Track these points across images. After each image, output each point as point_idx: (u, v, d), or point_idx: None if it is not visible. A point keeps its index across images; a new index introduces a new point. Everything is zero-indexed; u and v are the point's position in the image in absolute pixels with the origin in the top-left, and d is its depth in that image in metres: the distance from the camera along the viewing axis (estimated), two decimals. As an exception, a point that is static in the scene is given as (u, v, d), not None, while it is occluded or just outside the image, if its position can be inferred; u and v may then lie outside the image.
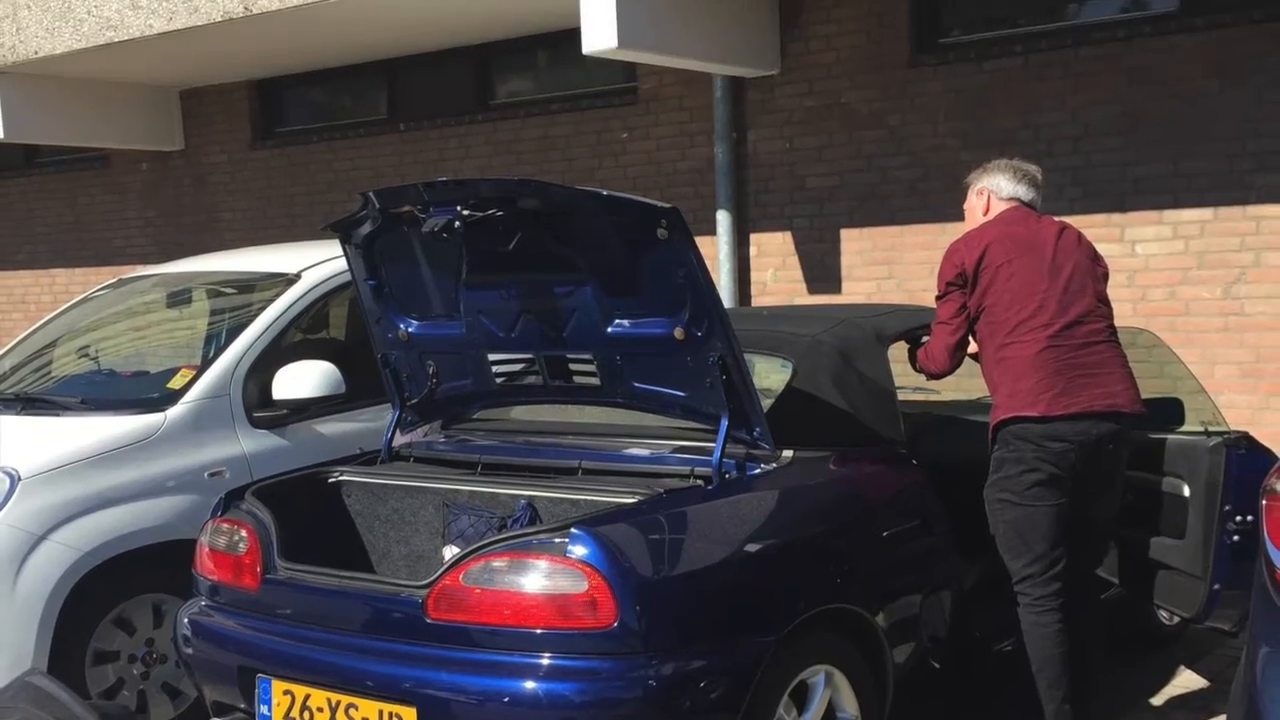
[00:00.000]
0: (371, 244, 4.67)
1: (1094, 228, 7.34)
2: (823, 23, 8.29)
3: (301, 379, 5.63)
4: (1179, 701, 5.36)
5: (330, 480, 4.84)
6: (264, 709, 4.17)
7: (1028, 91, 7.61)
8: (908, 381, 5.26)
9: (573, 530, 3.70)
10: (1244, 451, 4.66)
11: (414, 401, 4.97)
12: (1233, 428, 4.92)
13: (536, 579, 3.71)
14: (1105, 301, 4.69)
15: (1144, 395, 4.67)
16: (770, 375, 4.89)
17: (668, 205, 4.01)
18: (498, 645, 3.74)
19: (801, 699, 4.08)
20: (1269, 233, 6.95)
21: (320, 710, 4.02)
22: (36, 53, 9.57)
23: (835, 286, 8.39)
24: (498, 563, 3.77)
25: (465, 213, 4.18)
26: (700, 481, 4.28)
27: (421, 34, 9.37)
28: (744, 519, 4.14)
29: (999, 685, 5.08)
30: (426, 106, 10.32)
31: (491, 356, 4.73)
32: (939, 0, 8.05)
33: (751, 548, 4.06)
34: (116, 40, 9.10)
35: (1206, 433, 4.82)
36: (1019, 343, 4.53)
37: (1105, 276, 4.76)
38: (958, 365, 4.76)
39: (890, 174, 8.12)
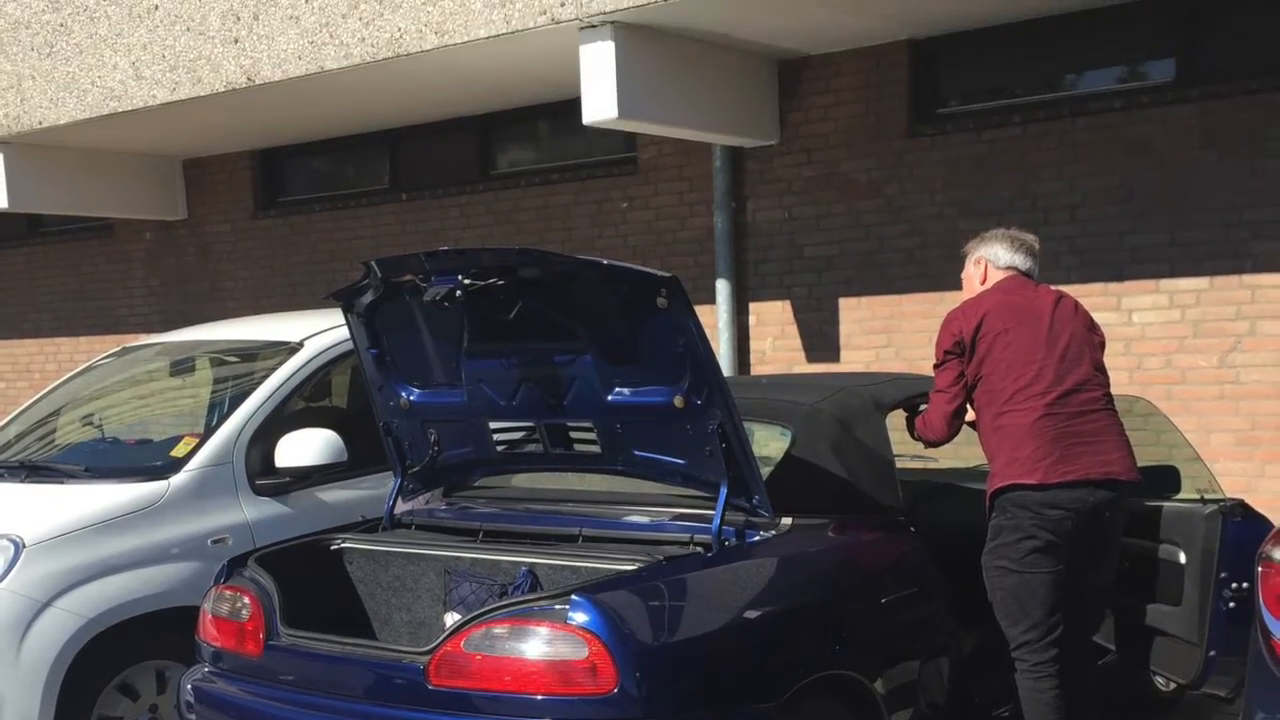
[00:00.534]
0: (373, 313, 4.72)
1: (1091, 296, 7.40)
2: (821, 93, 8.38)
3: (304, 447, 5.67)
4: (1178, 768, 5.35)
5: (332, 547, 4.87)
6: (267, 775, 4.18)
7: (1025, 161, 7.68)
8: (906, 449, 5.29)
9: (573, 597, 3.73)
10: (1239, 519, 4.69)
11: (415, 469, 5.00)
12: (1228, 495, 4.94)
13: (538, 645, 3.73)
14: (1102, 370, 4.74)
15: (1140, 463, 4.70)
16: (770, 443, 4.93)
17: (668, 274, 4.06)
18: (499, 711, 3.75)
19: (802, 765, 4.09)
20: (1264, 301, 7.00)
21: (322, 776, 4.03)
22: (41, 123, 9.68)
23: (834, 355, 8.43)
24: (499, 629, 3.80)
25: (466, 282, 4.24)
26: (700, 549, 4.30)
27: (423, 104, 9.48)
28: (743, 586, 4.16)
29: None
30: (428, 176, 10.41)
31: (492, 424, 4.77)
32: (937, 71, 8.14)
33: (751, 614, 4.08)
34: (120, 110, 9.21)
35: (1203, 500, 4.85)
36: (1016, 411, 4.57)
37: (1102, 345, 4.81)
38: (955, 433, 4.79)
39: (888, 243, 8.19)
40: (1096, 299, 7.34)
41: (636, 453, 4.48)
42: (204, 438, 5.69)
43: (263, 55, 8.35)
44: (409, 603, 4.82)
